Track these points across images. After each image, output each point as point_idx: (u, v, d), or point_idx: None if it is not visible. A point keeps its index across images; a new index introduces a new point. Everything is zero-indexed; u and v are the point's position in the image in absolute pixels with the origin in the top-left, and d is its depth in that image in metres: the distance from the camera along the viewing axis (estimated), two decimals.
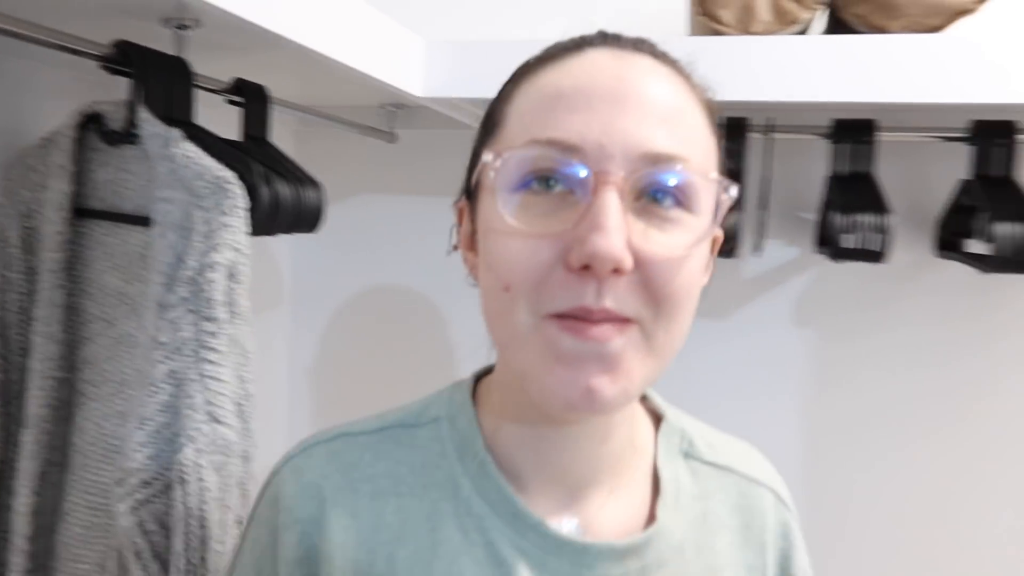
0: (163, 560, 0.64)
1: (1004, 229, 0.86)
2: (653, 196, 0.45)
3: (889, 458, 1.12)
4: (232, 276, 0.66)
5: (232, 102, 0.89)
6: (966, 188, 0.98)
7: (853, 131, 0.96)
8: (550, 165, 0.44)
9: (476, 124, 1.10)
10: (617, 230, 0.42)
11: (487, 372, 0.57)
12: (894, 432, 1.12)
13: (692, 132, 0.47)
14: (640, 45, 0.50)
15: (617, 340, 0.43)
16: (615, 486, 0.53)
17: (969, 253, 0.96)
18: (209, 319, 0.64)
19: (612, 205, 0.42)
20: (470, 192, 0.52)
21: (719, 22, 0.86)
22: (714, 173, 0.47)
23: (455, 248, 0.54)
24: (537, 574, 0.49)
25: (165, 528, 0.63)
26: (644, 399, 0.59)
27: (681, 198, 0.45)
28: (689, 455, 0.56)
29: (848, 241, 0.90)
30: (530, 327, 0.45)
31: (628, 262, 0.42)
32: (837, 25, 0.90)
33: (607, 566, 0.49)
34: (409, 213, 1.30)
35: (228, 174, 0.67)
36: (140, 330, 0.73)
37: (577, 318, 0.43)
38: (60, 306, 0.73)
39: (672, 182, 0.44)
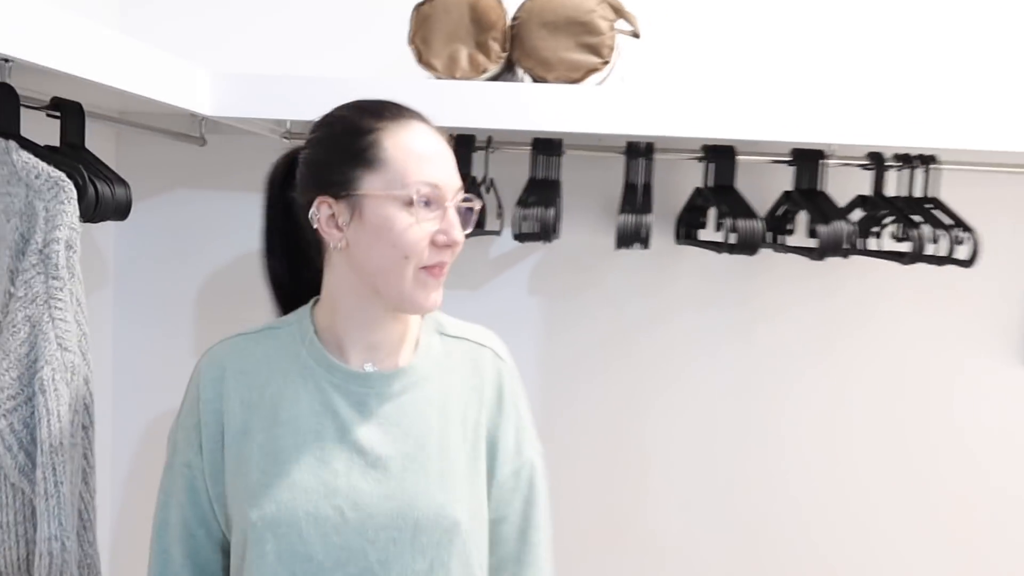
0: (27, 451, 0.89)
1: (624, 220, 1.28)
2: (466, 209, 0.90)
3: (596, 388, 1.54)
4: (69, 247, 0.92)
5: (51, 115, 1.13)
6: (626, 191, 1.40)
7: (542, 146, 1.36)
8: (429, 194, 0.85)
9: (266, 133, 1.40)
10: (461, 228, 0.87)
11: (316, 302, 0.97)
12: (602, 370, 1.54)
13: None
14: (423, 116, 0.91)
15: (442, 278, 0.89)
16: (393, 351, 0.94)
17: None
18: (56, 278, 0.90)
19: (455, 215, 0.87)
20: (338, 194, 0.87)
21: (433, 69, 1.22)
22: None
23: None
24: (340, 394, 0.90)
25: (28, 427, 0.89)
26: None
27: (472, 204, 0.91)
28: (442, 332, 0.98)
29: (525, 227, 1.29)
30: (413, 274, 0.86)
31: (462, 237, 0.87)
32: (522, 74, 1.28)
33: (379, 384, 0.91)
34: (217, 206, 1.56)
35: (61, 173, 0.93)
36: None
37: (436, 267, 0.87)
38: None
39: (468, 202, 0.90)
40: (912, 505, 1.54)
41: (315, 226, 0.89)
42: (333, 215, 0.87)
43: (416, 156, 0.86)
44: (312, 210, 0.88)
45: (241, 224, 1.56)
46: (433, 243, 0.86)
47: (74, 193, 0.93)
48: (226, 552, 0.94)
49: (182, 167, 1.56)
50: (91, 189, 1.00)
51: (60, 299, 0.91)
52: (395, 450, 0.88)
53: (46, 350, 0.91)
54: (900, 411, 1.53)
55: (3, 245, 0.94)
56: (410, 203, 0.84)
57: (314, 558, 0.85)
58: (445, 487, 0.88)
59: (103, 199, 1.02)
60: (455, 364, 0.95)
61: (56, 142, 1.12)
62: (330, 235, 0.88)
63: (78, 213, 0.94)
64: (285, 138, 1.41)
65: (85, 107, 1.15)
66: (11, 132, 0.99)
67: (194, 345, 1.57)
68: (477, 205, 0.92)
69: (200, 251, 1.56)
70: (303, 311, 0.96)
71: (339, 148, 0.88)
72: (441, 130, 0.91)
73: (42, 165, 0.94)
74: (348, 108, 0.91)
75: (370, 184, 0.85)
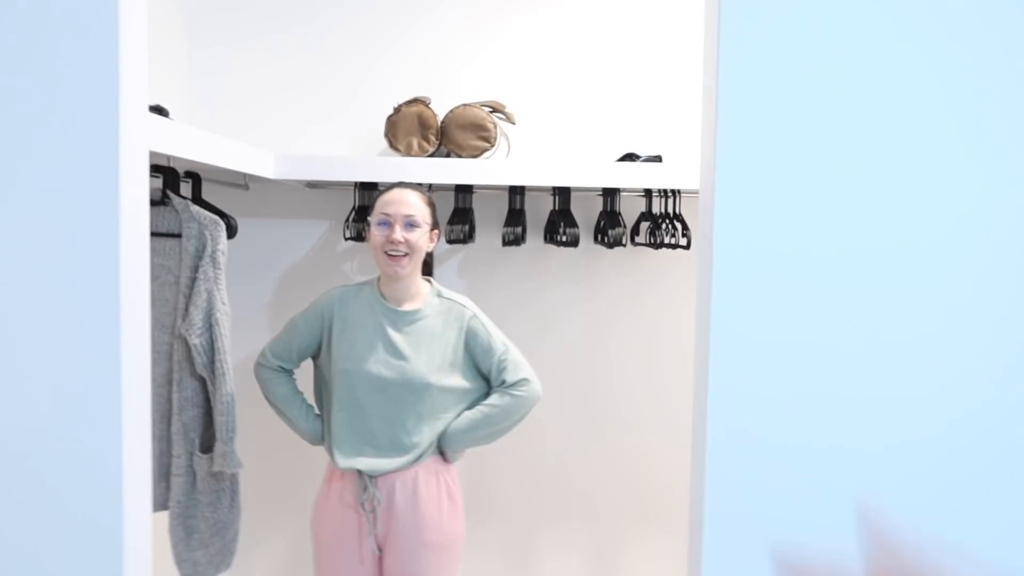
0: (207, 355, 1.82)
1: (506, 230, 2.28)
2: (407, 224, 1.89)
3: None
4: (223, 254, 1.84)
5: (184, 180, 2.04)
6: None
7: (461, 189, 2.33)
8: (384, 219, 1.90)
9: (294, 184, 2.34)
10: (398, 233, 1.89)
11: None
12: (503, 316, 2.52)
13: (421, 211, 1.93)
14: (406, 184, 1.98)
15: (403, 259, 1.89)
16: (413, 301, 1.96)
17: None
18: (218, 268, 1.83)
19: (398, 227, 1.89)
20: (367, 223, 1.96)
21: (398, 150, 2.19)
22: (428, 222, 1.95)
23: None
24: (386, 319, 1.94)
25: (207, 343, 1.81)
26: (430, 281, 2.01)
27: (416, 224, 1.90)
28: (440, 295, 1.99)
29: (452, 236, 2.28)
30: (382, 254, 1.90)
31: (400, 238, 1.88)
32: (447, 153, 2.27)
33: (403, 315, 1.94)
34: (256, 229, 2.48)
35: (217, 216, 1.85)
36: (174, 277, 1.88)
37: (387, 251, 1.90)
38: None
39: (413, 221, 1.90)
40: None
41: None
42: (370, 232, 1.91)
43: (382, 203, 1.89)
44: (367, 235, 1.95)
45: (270, 240, 2.49)
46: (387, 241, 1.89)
47: (225, 226, 1.86)
48: (285, 367, 2.01)
49: (232, 203, 2.47)
50: (230, 222, 1.93)
51: (220, 279, 1.84)
52: (407, 347, 1.90)
53: (215, 305, 1.83)
54: (682, 338, 2.57)
55: (187, 253, 1.86)
56: (378, 224, 1.89)
57: (364, 389, 1.88)
58: (426, 366, 1.90)
59: (232, 227, 1.95)
60: (444, 311, 1.96)
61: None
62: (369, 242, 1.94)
63: (227, 236, 1.87)
64: (308, 187, 2.34)
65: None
66: (176, 192, 1.91)
67: (249, 310, 2.48)
68: (421, 224, 1.91)
69: (247, 258, 2.48)
70: (373, 280, 2.00)
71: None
72: (413, 184, 1.93)
73: (207, 212, 1.86)
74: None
75: (370, 217, 1.90)
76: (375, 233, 1.90)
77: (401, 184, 1.95)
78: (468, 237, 2.32)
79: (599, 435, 2.59)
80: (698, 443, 1.28)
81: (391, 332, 1.91)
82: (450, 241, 2.32)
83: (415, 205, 1.90)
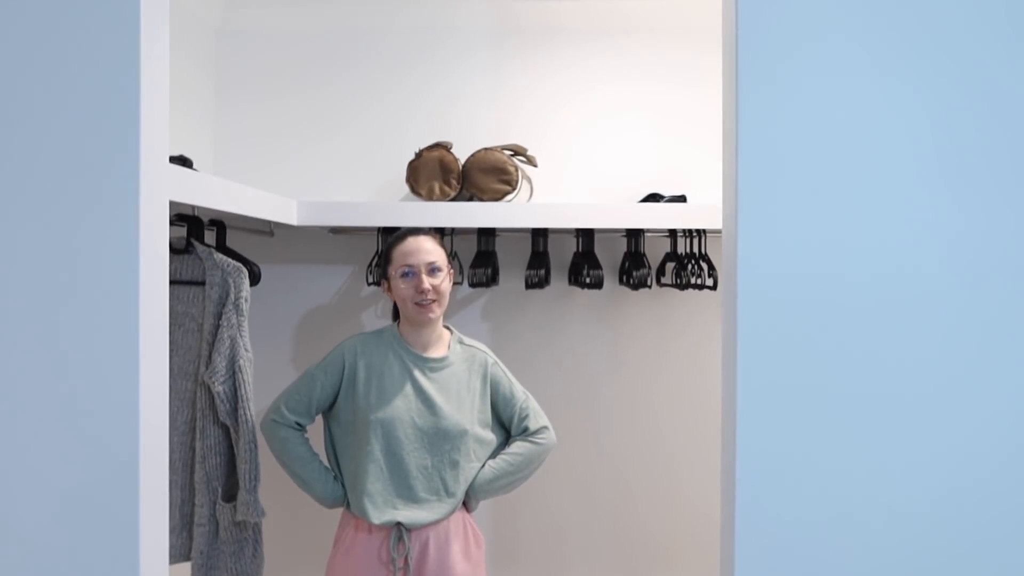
0: (230, 402, 1.81)
1: (529, 273, 2.26)
2: (431, 271, 1.88)
3: (524, 370, 2.49)
4: (247, 300, 1.85)
5: (208, 228, 2.06)
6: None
7: (484, 233, 2.33)
8: (407, 270, 1.89)
9: (316, 230, 2.35)
10: (426, 282, 1.88)
11: (396, 318, 2.00)
12: (525, 358, 2.49)
13: (439, 255, 1.93)
14: (423, 230, 1.97)
15: (433, 305, 1.89)
16: (438, 348, 1.95)
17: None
18: (242, 315, 1.83)
19: (424, 276, 1.88)
20: (386, 275, 1.96)
21: (419, 195, 2.20)
22: (447, 263, 1.94)
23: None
24: (414, 366, 1.93)
25: (230, 391, 1.81)
26: (449, 329, 2.00)
27: (438, 269, 1.90)
28: (461, 342, 1.99)
29: (475, 279, 2.26)
30: (413, 304, 1.89)
31: (428, 286, 1.88)
32: (469, 197, 2.27)
33: (431, 362, 1.94)
34: (279, 274, 2.49)
35: (240, 263, 1.86)
36: (198, 325, 1.88)
37: (417, 302, 1.89)
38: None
39: (436, 267, 1.89)
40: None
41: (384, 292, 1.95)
42: (388, 288, 1.89)
43: (403, 253, 1.90)
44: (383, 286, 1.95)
45: (294, 286, 2.50)
46: (416, 291, 1.88)
47: (248, 273, 1.87)
48: (302, 423, 1.94)
49: (257, 249, 2.49)
50: (253, 269, 1.94)
51: (243, 327, 1.85)
52: (437, 395, 1.89)
53: (239, 352, 1.83)
54: (706, 375, 2.51)
55: (210, 301, 1.87)
56: (402, 276, 1.87)
57: (399, 439, 1.86)
58: (459, 413, 1.89)
59: (256, 274, 1.96)
60: (467, 358, 1.97)
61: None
62: (389, 296, 1.93)
63: (249, 283, 1.87)
64: (332, 233, 2.36)
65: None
66: (199, 240, 1.93)
67: (273, 355, 2.48)
68: (442, 268, 1.92)
69: (271, 303, 2.49)
70: (393, 326, 2.00)
71: (383, 257, 1.92)
72: (424, 228, 1.93)
73: (230, 259, 1.87)
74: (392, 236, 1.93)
75: (391, 270, 1.90)
76: (401, 286, 1.90)
77: (413, 231, 1.95)
78: (491, 280, 2.31)
79: (625, 478, 2.52)
80: (727, 485, 1.25)
81: (420, 379, 1.90)
82: (473, 284, 2.31)
83: (434, 251, 1.91)
